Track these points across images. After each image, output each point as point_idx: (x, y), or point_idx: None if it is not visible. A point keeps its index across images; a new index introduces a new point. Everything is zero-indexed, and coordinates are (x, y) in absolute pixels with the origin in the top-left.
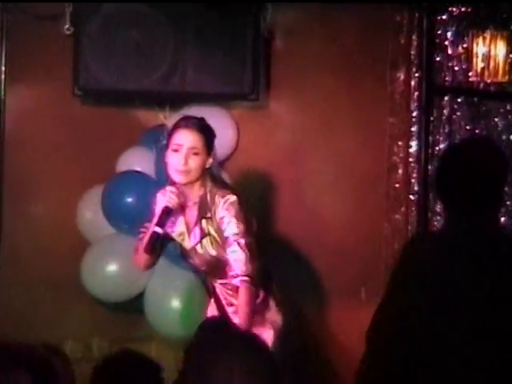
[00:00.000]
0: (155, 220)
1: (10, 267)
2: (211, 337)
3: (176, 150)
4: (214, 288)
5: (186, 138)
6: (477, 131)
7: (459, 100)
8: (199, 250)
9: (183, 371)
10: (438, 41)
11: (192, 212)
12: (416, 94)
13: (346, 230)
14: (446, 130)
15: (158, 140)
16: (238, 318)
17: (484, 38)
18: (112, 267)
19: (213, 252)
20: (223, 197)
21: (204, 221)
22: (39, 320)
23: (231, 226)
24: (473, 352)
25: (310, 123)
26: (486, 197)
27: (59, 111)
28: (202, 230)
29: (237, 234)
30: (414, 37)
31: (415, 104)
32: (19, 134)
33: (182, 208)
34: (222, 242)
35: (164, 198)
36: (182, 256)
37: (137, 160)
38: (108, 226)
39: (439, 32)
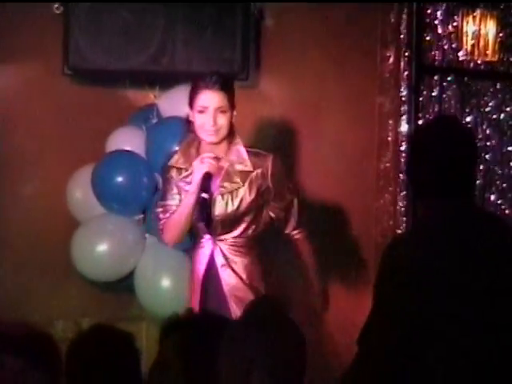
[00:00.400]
0: (196, 188)
1: (0, 247)
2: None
3: (202, 112)
4: (214, 245)
5: (210, 100)
6: (467, 110)
7: (449, 79)
8: (220, 202)
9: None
10: (427, 20)
11: (219, 167)
12: (406, 73)
13: (336, 208)
14: (436, 110)
15: (148, 119)
16: (310, 266)
17: (474, 17)
18: (102, 247)
19: (234, 205)
20: (261, 155)
21: (232, 173)
22: (29, 300)
23: (281, 182)
24: (471, 344)
25: (299, 102)
26: (469, 178)
27: (49, 91)
28: (227, 182)
29: (288, 189)
30: (403, 16)
31: (405, 83)
32: (8, 114)
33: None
34: (256, 196)
35: (203, 165)
36: (199, 207)
37: (127, 139)
38: (98, 205)
39: (429, 11)
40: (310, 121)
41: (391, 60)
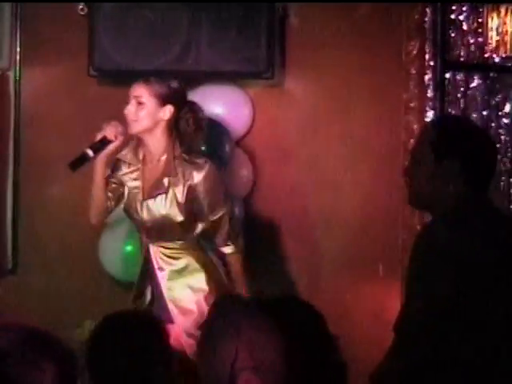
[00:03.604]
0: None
1: (28, 248)
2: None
3: (128, 101)
4: (147, 250)
5: (133, 89)
6: (492, 106)
7: (474, 75)
8: (151, 206)
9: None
10: (452, 16)
11: (154, 168)
12: (431, 69)
13: (363, 206)
14: (461, 106)
15: None
16: (238, 286)
17: (498, 13)
18: (130, 247)
19: (166, 210)
20: (198, 163)
21: (166, 179)
22: (58, 301)
23: (212, 195)
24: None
25: (325, 100)
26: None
27: (75, 92)
28: (161, 187)
29: (218, 204)
30: (428, 12)
31: (430, 80)
32: (35, 116)
33: (142, 161)
34: (186, 205)
35: (106, 128)
36: (129, 210)
37: None
38: None
39: (454, 7)
40: (336, 119)
41: (416, 56)
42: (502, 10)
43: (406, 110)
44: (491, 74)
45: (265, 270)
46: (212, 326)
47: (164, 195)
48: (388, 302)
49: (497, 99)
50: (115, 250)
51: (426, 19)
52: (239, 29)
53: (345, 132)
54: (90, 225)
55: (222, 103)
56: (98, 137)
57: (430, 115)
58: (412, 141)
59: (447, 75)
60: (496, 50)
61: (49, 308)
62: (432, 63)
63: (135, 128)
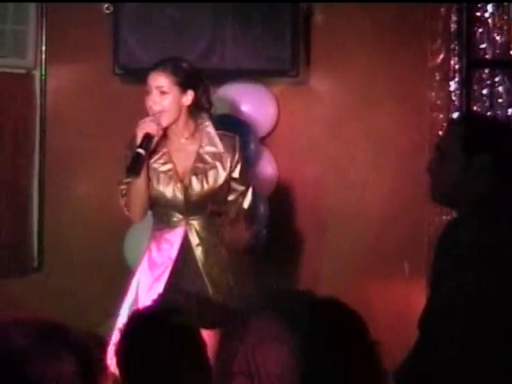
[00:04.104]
0: (137, 144)
1: (53, 247)
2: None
3: (148, 93)
4: (187, 225)
5: (152, 80)
6: None
7: (500, 73)
8: (190, 185)
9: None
10: (477, 13)
11: (182, 149)
12: (456, 67)
13: (388, 203)
14: (487, 104)
15: None
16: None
17: None
18: None
19: (209, 185)
20: (228, 136)
21: (199, 157)
22: (83, 299)
23: (241, 168)
24: None
25: (350, 98)
26: None
27: (100, 90)
28: (195, 165)
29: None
30: (453, 9)
31: (455, 77)
32: (60, 114)
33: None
34: (227, 176)
35: (143, 125)
36: (165, 192)
37: None
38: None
39: (479, 4)
40: (360, 116)
41: (441, 54)
42: None
43: (431, 108)
44: None
45: (287, 268)
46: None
47: (200, 172)
48: (413, 299)
49: None
50: (140, 249)
51: (452, 17)
52: (264, 27)
53: (370, 130)
54: (115, 223)
55: (246, 101)
56: (140, 135)
57: (455, 113)
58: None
59: (472, 73)
60: None
61: (73, 306)
62: (457, 61)
63: (166, 120)
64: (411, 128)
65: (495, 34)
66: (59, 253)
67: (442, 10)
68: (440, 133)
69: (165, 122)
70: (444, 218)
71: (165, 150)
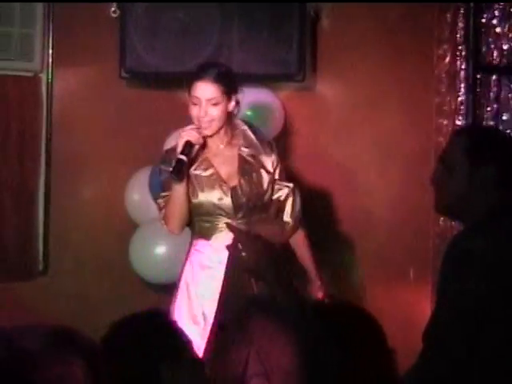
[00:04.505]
0: (179, 151)
1: (59, 250)
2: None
3: (195, 104)
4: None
5: (202, 91)
6: None
7: (506, 78)
8: (243, 185)
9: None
10: (484, 19)
11: (222, 154)
12: (462, 72)
13: (393, 208)
14: (493, 110)
15: None
16: (307, 264)
17: None
18: (160, 249)
19: (255, 187)
20: (264, 139)
21: (245, 156)
22: (88, 302)
23: (280, 169)
24: None
25: (356, 103)
26: None
27: (106, 94)
28: (239, 169)
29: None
30: (460, 15)
31: (462, 83)
32: (67, 117)
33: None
34: (271, 176)
35: (184, 134)
36: (209, 197)
37: None
38: (156, 208)
39: (486, 10)
40: (367, 121)
41: (448, 59)
42: None
43: (437, 113)
44: None
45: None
46: (227, 331)
47: (247, 174)
48: (418, 305)
49: None
50: (145, 252)
51: (458, 22)
52: (270, 31)
53: (376, 135)
54: (120, 227)
55: (252, 106)
56: (181, 143)
57: (461, 119)
58: (444, 144)
59: (479, 79)
60: None
61: (79, 310)
62: (464, 66)
63: (212, 130)
64: (418, 133)
65: (501, 40)
66: (64, 256)
67: (448, 15)
68: (446, 138)
69: (211, 132)
70: (450, 223)
71: (204, 156)
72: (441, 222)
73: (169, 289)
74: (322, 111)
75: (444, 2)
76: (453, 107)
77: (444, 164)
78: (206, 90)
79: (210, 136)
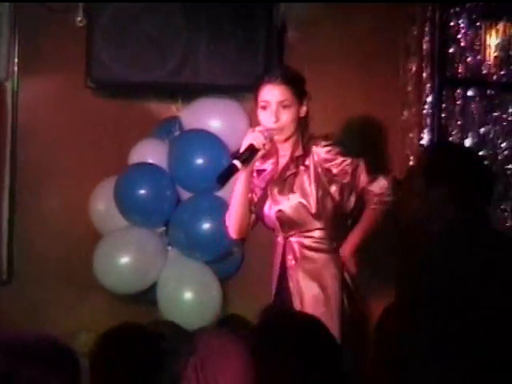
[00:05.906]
0: (238, 154)
1: (23, 259)
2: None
3: (264, 108)
4: (285, 242)
5: (271, 94)
6: (490, 123)
7: (472, 92)
8: (292, 198)
9: None
10: (450, 32)
11: (289, 164)
12: (428, 85)
13: None
14: (459, 123)
15: (171, 132)
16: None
17: (497, 30)
18: (124, 259)
19: (303, 201)
20: (337, 150)
21: (320, 173)
22: (52, 312)
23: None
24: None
25: (322, 115)
26: None
27: (72, 103)
28: (299, 180)
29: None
30: (426, 28)
31: (428, 96)
32: (32, 126)
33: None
34: (322, 192)
35: (250, 136)
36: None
37: (149, 152)
38: (120, 217)
39: (452, 23)
40: (332, 135)
41: (414, 72)
42: (500, 27)
43: (403, 126)
44: (488, 91)
45: None
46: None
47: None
48: None
49: (494, 116)
50: (110, 262)
51: (425, 36)
52: (237, 42)
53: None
54: (85, 236)
55: (218, 117)
56: (245, 144)
57: (426, 132)
58: (411, 158)
59: (445, 92)
60: (494, 66)
61: (43, 319)
62: (430, 80)
63: (284, 136)
64: (383, 147)
65: (467, 53)
66: (29, 265)
67: (415, 28)
68: (413, 152)
69: (283, 137)
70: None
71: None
72: None
73: (133, 298)
74: None
75: (423, 3)
76: (418, 121)
77: (405, 183)
78: (273, 92)
79: (277, 143)
